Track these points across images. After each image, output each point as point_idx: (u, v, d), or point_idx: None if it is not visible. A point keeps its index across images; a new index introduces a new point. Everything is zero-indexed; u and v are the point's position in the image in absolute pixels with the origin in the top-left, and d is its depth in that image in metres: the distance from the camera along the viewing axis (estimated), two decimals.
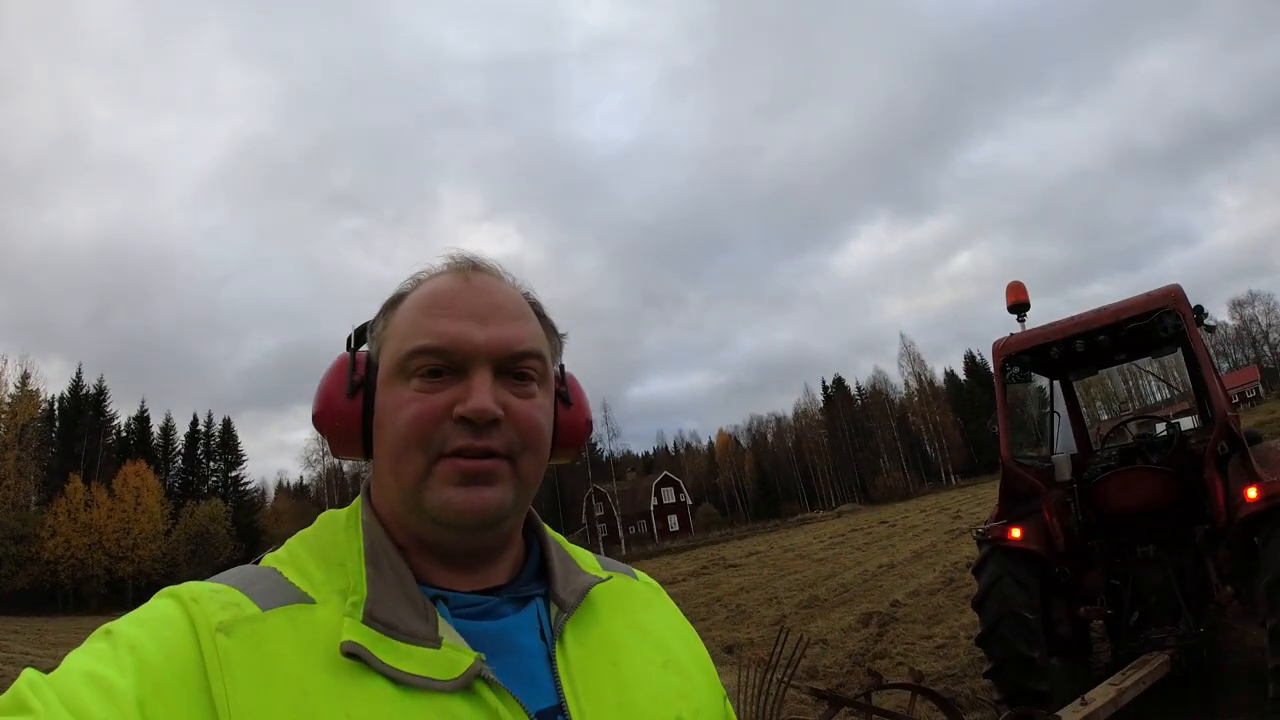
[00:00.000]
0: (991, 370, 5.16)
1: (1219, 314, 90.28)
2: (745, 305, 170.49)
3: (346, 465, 68.99)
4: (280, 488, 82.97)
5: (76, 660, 0.65)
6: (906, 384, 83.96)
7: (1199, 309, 4.94)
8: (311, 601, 0.71)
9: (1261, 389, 72.15)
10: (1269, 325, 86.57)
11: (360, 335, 0.86)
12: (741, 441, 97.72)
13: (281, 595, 0.71)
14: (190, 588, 0.72)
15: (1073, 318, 4.88)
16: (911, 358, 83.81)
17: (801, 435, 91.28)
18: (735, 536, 50.73)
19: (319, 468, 67.08)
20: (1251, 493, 3.89)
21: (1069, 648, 5.04)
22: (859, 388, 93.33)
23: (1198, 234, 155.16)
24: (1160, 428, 5.83)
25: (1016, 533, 4.56)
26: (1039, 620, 4.46)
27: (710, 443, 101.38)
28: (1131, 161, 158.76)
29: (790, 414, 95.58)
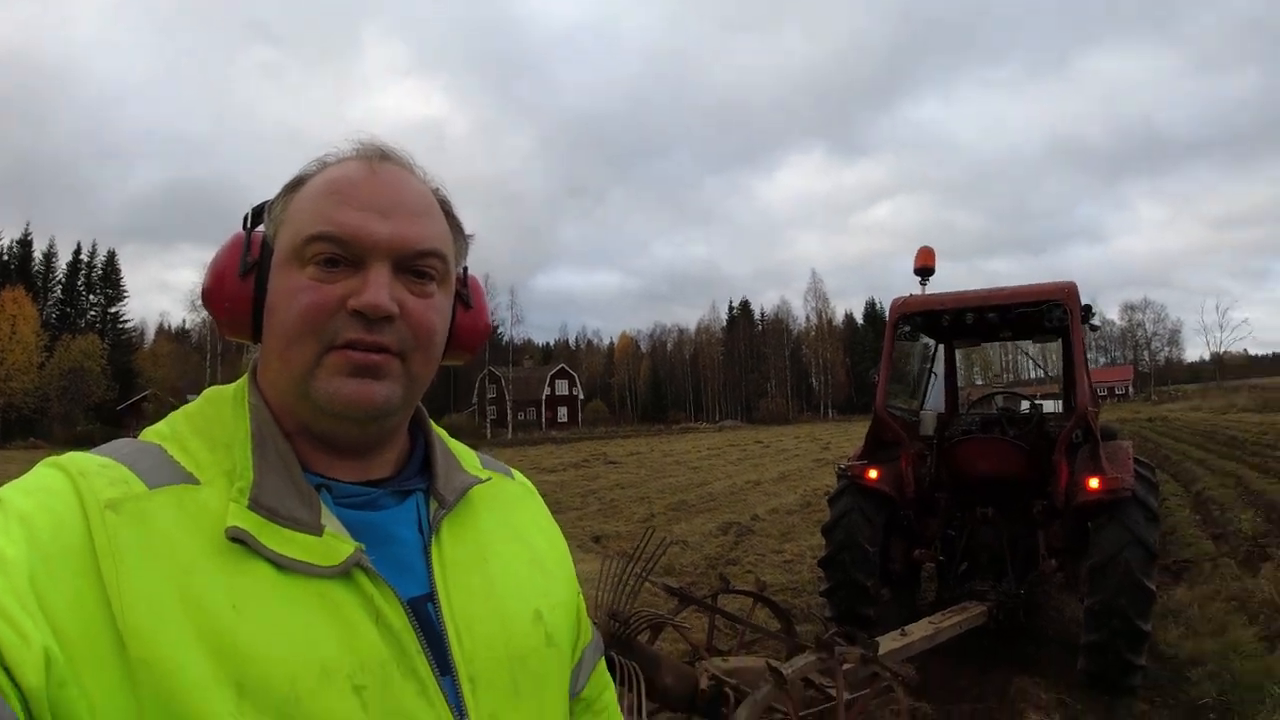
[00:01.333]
0: (886, 322, 5.38)
1: (1110, 313, 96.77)
2: (667, 214, 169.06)
3: None
4: (160, 329, 78.99)
5: None
6: (807, 318, 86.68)
7: (1087, 308, 5.25)
8: (197, 482, 0.72)
9: (1132, 388, 79.74)
10: (1153, 334, 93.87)
11: (258, 215, 0.83)
12: (642, 346, 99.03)
13: (168, 474, 0.72)
14: (76, 460, 0.72)
15: (970, 292, 5.10)
16: (817, 295, 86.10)
17: (700, 350, 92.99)
18: (620, 436, 51.95)
19: (203, 313, 63.62)
20: (1094, 482, 4.30)
21: (901, 583, 5.54)
22: (763, 314, 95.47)
23: (1108, 235, 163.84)
24: (1025, 405, 6.25)
25: (874, 474, 4.94)
26: (877, 554, 4.88)
27: (611, 343, 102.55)
28: (1065, 153, 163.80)
29: (693, 328, 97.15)
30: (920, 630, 3.89)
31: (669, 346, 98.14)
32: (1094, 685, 4.40)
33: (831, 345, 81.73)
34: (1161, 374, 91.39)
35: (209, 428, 0.78)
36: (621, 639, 2.93)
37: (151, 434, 0.78)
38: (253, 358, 0.83)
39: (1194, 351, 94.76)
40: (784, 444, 31.27)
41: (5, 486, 0.69)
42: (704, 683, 3.05)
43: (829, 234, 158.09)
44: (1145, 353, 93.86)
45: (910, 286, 5.47)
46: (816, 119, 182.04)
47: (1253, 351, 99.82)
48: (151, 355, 64.34)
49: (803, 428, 53.07)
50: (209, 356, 56.70)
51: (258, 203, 0.84)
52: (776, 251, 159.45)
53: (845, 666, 2.98)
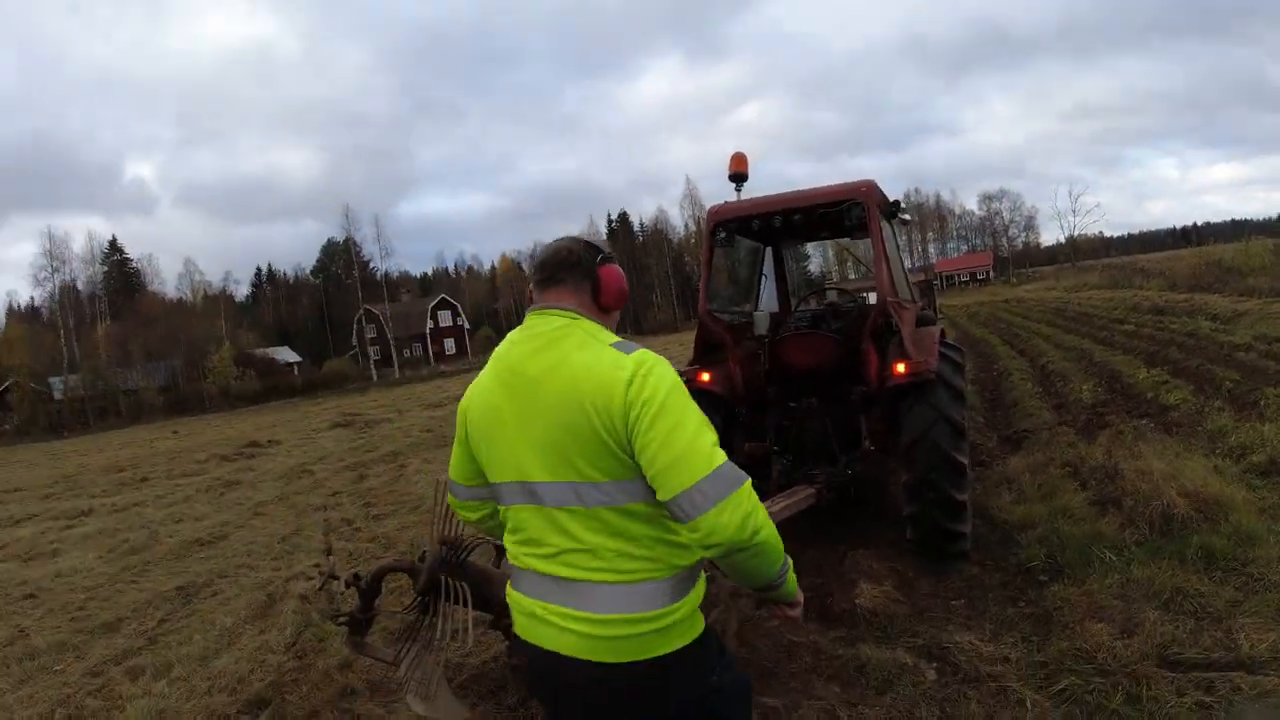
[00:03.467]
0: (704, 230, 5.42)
1: (969, 204, 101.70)
2: (530, 128, 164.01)
3: (82, 282, 59.73)
4: (11, 310, 69.67)
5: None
6: (686, 226, 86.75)
7: (895, 204, 5.46)
8: None
9: (992, 273, 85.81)
10: (1011, 221, 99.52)
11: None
12: (525, 267, 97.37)
13: None
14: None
15: (776, 196, 5.21)
16: (693, 201, 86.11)
17: None
18: None
19: (50, 286, 56.98)
20: (900, 367, 4.53)
21: (751, 474, 5.73)
22: (642, 224, 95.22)
23: (965, 129, 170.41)
24: (848, 300, 6.50)
25: (705, 376, 5.03)
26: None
27: (493, 266, 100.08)
28: (919, 49, 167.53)
29: None
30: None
31: None
32: (923, 553, 4.71)
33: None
34: (1020, 258, 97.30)
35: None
36: (452, 562, 2.98)
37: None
38: None
39: (1050, 236, 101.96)
40: (670, 351, 31.58)
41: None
42: None
43: (699, 139, 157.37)
44: (1004, 239, 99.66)
45: (780, 184, 5.45)
46: (672, 21, 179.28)
47: (1107, 234, 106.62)
48: (5, 341, 57.55)
49: (689, 334, 53.82)
50: (63, 333, 52.29)
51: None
52: (649, 159, 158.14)
53: None
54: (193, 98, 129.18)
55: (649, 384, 1.66)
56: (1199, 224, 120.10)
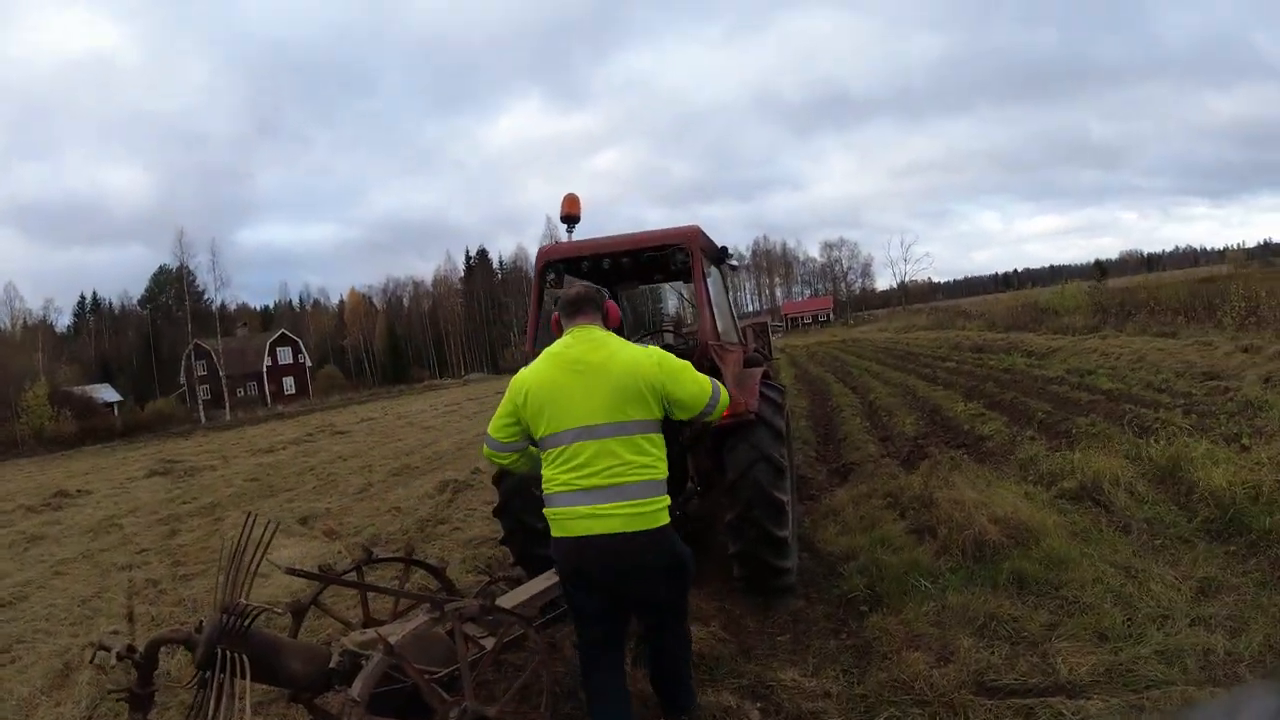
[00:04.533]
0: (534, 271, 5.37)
1: (812, 251, 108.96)
2: (383, 159, 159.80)
3: None
4: None
5: None
6: None
7: (723, 250, 5.61)
8: None
9: (833, 315, 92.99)
10: (849, 268, 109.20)
11: None
12: (375, 303, 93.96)
13: None
14: None
15: (605, 239, 5.24)
16: (553, 240, 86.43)
17: (439, 302, 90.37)
18: (357, 401, 49.25)
19: None
20: None
21: None
22: (501, 262, 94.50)
23: (807, 182, 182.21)
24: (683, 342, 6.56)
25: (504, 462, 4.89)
26: None
27: (341, 301, 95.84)
28: (767, 107, 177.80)
29: (429, 280, 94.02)
30: None
31: (405, 301, 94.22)
32: (750, 590, 4.75)
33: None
34: (857, 301, 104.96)
35: None
36: (234, 632, 2.76)
37: None
38: None
39: (885, 281, 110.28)
40: None
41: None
42: (334, 660, 3.00)
43: (557, 180, 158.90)
44: (843, 284, 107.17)
45: (640, 227, 5.41)
46: (534, 63, 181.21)
47: (936, 279, 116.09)
48: None
49: None
50: None
51: None
52: (507, 197, 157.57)
53: (466, 619, 3.08)
54: (22, 106, 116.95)
55: (665, 361, 3.13)
56: (1019, 270, 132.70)
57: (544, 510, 3.13)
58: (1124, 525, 5.23)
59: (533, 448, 3.25)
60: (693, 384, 3.16)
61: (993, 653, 3.66)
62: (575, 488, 2.98)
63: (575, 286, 3.30)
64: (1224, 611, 3.82)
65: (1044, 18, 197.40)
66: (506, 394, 3.22)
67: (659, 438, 3.12)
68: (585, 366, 3.07)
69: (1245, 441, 6.59)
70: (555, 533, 3.06)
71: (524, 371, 3.22)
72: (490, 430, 3.29)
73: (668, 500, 3.09)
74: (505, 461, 3.37)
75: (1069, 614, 3.99)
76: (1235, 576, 4.22)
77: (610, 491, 2.96)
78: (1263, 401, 8.44)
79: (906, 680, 3.53)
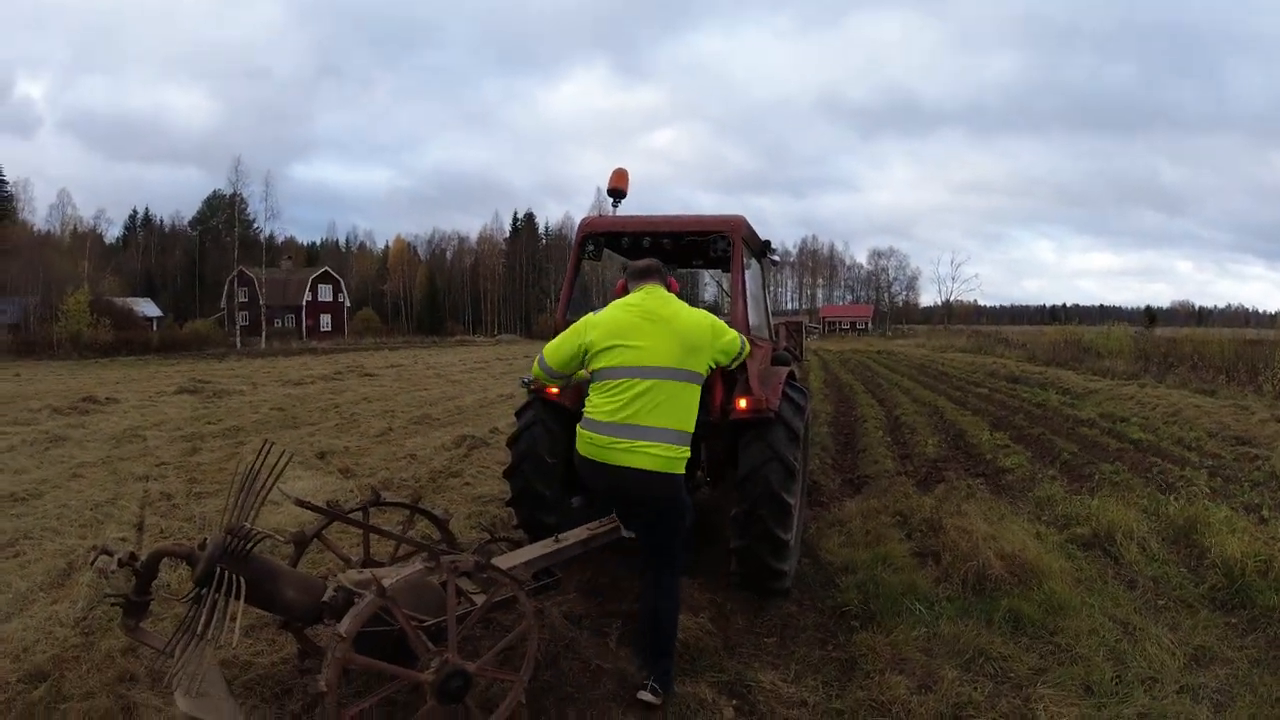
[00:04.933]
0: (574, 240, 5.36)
1: (860, 257, 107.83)
2: (443, 111, 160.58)
3: None
4: None
5: None
6: None
7: (766, 243, 5.57)
8: None
9: (871, 324, 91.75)
10: (895, 278, 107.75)
11: None
12: (420, 253, 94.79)
13: None
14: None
15: (650, 216, 5.20)
16: (601, 213, 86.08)
17: (481, 260, 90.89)
18: (389, 347, 49.80)
19: None
20: (742, 403, 4.57)
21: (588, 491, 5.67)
22: (547, 228, 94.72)
23: (863, 186, 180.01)
24: None
25: (554, 389, 4.86)
26: (560, 464, 4.88)
27: (386, 246, 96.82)
28: (831, 106, 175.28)
29: (474, 237, 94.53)
30: (574, 536, 3.96)
31: (449, 255, 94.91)
32: (745, 587, 4.75)
33: (611, 264, 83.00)
34: (899, 314, 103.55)
35: None
36: (235, 554, 2.82)
37: None
38: None
39: (929, 297, 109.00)
40: None
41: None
42: (328, 594, 3.07)
43: (611, 154, 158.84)
44: (886, 294, 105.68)
45: (686, 210, 5.40)
46: (602, 33, 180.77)
47: (982, 303, 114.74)
48: None
49: None
50: None
51: None
52: (560, 165, 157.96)
53: (460, 574, 3.08)
54: (92, 21, 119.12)
55: (715, 322, 3.66)
56: (1068, 305, 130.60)
57: (578, 428, 3.60)
58: (1130, 580, 5.16)
59: (582, 372, 3.69)
60: (732, 343, 3.69)
61: (975, 689, 3.65)
62: (618, 419, 3.42)
63: (643, 260, 3.83)
64: (1214, 683, 3.78)
65: (1124, 53, 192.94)
66: (572, 329, 3.68)
67: (698, 393, 3.57)
68: (656, 317, 3.54)
69: (1265, 514, 6.45)
70: (584, 453, 3.56)
71: (593, 315, 3.68)
72: (546, 354, 3.71)
73: (688, 452, 3.51)
74: (548, 381, 3.95)
75: (1059, 661, 3.96)
76: (1231, 649, 4.15)
77: (646, 431, 3.39)
78: None
79: (885, 702, 3.53)
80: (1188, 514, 6.12)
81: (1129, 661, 3.93)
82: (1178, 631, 4.35)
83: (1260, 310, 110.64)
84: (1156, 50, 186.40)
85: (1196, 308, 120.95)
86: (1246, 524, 5.92)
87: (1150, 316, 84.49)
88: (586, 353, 3.57)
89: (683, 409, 3.47)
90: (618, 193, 5.44)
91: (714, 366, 3.67)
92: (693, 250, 5.54)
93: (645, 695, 3.45)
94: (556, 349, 3.67)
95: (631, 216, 5.27)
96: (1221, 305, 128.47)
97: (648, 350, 3.45)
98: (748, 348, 3.82)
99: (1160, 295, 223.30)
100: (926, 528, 5.98)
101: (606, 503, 3.96)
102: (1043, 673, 3.84)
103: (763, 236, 5.56)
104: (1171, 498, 6.75)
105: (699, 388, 3.56)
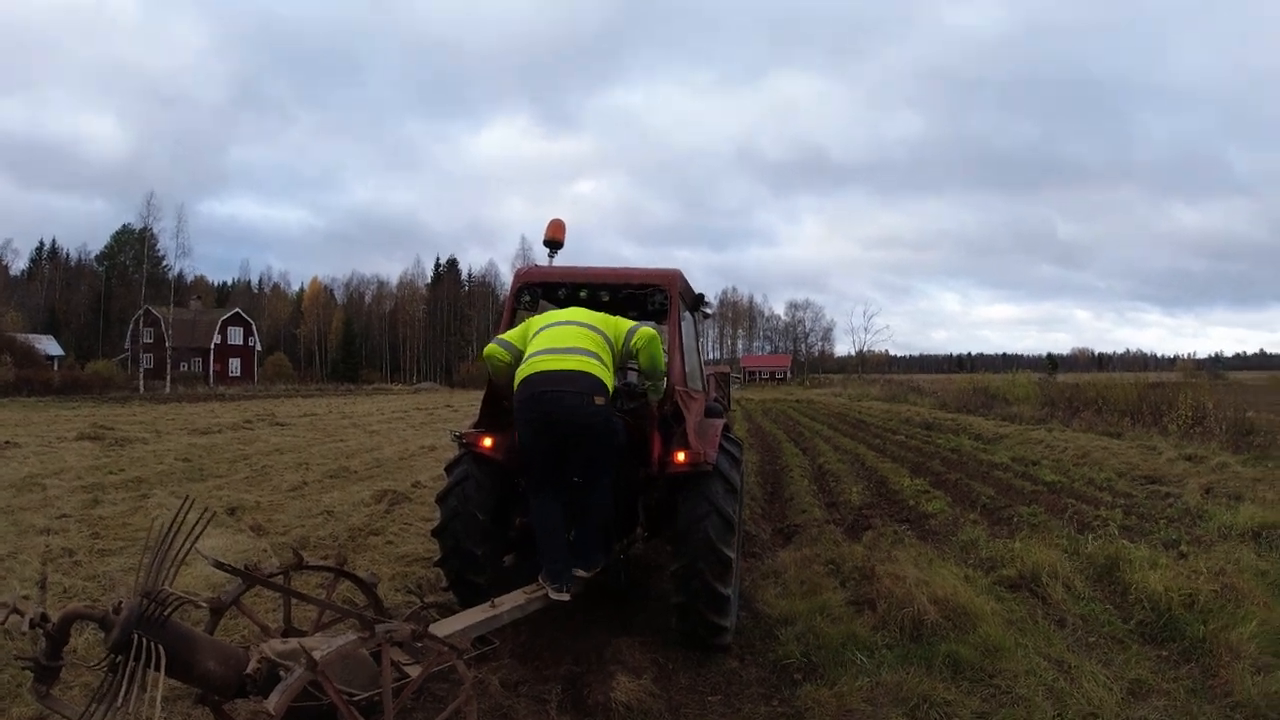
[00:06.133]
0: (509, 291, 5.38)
1: (778, 309, 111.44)
2: (363, 151, 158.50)
3: None
4: None
5: None
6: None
7: (700, 297, 5.66)
8: None
9: (790, 374, 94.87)
10: (811, 329, 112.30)
11: None
12: (336, 296, 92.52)
13: None
14: None
15: (587, 268, 5.22)
16: (526, 260, 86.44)
17: (400, 305, 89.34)
18: (302, 394, 48.11)
19: None
20: (680, 456, 4.54)
21: (522, 550, 5.49)
22: (470, 274, 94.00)
23: (780, 240, 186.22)
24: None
25: (488, 441, 4.78)
26: (489, 521, 4.74)
27: (302, 288, 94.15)
28: (748, 161, 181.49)
29: (394, 282, 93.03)
30: (510, 601, 3.84)
31: (367, 299, 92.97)
32: (686, 644, 4.67)
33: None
34: (815, 363, 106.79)
35: None
36: (152, 619, 2.64)
37: None
38: None
39: (843, 347, 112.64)
40: (476, 409, 30.75)
41: None
42: (251, 666, 2.88)
43: (536, 202, 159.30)
44: (803, 344, 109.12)
45: (613, 261, 5.45)
46: (529, 81, 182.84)
47: (893, 352, 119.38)
48: None
49: None
50: None
51: None
52: (484, 210, 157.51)
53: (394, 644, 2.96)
54: (11, 40, 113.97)
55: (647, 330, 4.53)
56: (973, 353, 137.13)
57: (516, 372, 4.32)
58: (1060, 619, 5.28)
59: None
60: (658, 358, 4.52)
61: None
62: (545, 347, 4.33)
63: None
64: (1153, 716, 3.87)
65: (1025, 110, 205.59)
66: (519, 326, 4.64)
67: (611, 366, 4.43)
68: (580, 316, 4.49)
69: (1184, 549, 6.74)
70: (521, 375, 4.26)
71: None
72: (502, 337, 4.57)
73: (610, 395, 4.32)
74: (501, 356, 4.50)
75: (1001, 704, 3.98)
76: (1167, 681, 4.26)
77: (574, 351, 4.27)
78: (1202, 511, 8.69)
79: None
80: (1108, 552, 6.35)
81: (1068, 700, 3.98)
82: (1111, 667, 4.45)
83: (1159, 354, 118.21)
84: (1056, 105, 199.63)
85: (1096, 354, 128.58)
86: (1167, 560, 6.18)
87: (1052, 363, 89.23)
88: (526, 337, 4.47)
89: (603, 365, 4.37)
90: (554, 243, 5.45)
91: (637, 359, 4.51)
92: (629, 302, 5.52)
93: (560, 595, 4.15)
94: (508, 334, 4.63)
95: (568, 267, 5.28)
96: (1120, 351, 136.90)
97: (567, 340, 4.38)
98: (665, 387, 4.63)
99: (1060, 343, 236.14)
100: (859, 575, 6.01)
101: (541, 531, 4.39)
102: (986, 716, 3.86)
103: (696, 290, 5.61)
104: (1090, 537, 6.99)
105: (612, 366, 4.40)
